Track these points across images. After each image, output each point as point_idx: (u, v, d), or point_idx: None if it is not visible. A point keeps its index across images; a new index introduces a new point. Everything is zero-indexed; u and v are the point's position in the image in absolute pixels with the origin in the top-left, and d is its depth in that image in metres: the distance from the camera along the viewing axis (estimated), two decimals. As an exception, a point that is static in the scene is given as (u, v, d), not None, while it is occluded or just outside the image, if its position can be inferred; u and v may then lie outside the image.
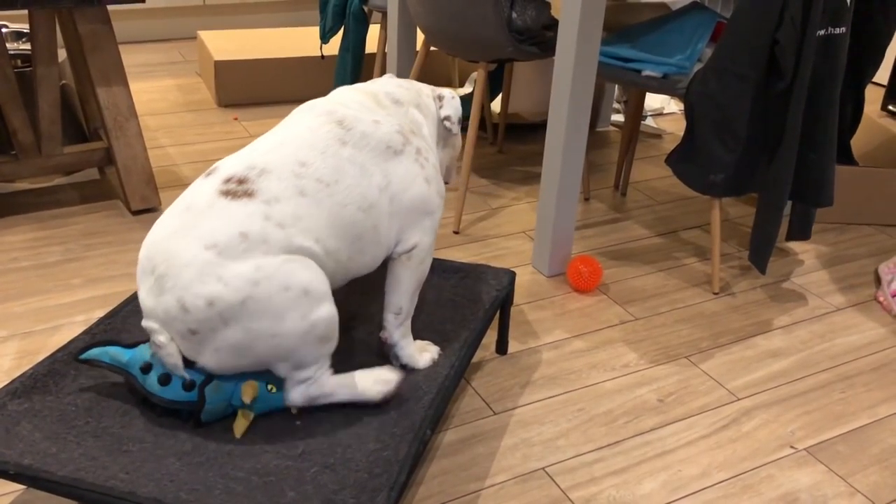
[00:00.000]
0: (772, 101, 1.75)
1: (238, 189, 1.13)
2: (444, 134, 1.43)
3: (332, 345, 1.19)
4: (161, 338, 1.11)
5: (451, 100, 1.42)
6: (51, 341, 1.64)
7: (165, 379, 1.14)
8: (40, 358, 1.58)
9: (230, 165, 1.17)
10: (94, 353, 1.18)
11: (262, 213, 1.11)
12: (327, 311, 1.14)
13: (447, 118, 1.40)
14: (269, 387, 1.17)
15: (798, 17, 1.63)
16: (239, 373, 1.16)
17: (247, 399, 1.13)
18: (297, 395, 1.18)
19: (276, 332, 1.10)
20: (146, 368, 1.15)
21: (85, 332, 1.33)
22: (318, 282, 1.13)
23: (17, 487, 1.28)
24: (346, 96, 1.31)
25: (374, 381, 1.23)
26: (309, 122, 1.24)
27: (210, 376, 1.14)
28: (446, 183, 1.51)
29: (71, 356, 1.24)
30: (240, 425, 1.16)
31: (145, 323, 1.14)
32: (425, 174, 1.28)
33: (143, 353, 1.17)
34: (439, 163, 1.42)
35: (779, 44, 1.66)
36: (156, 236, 1.14)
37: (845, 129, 2.24)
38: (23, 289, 1.81)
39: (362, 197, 1.20)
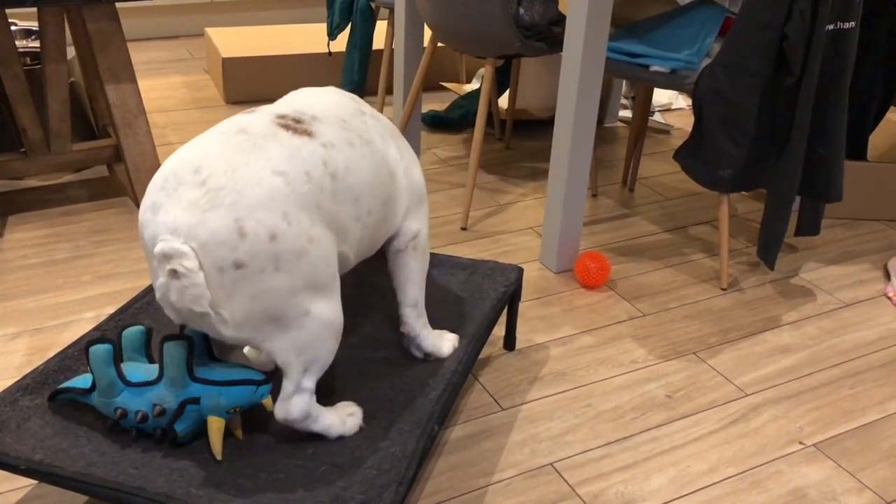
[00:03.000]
0: (780, 97, 1.74)
1: (297, 126, 1.07)
2: None
3: (334, 354, 1.12)
4: (188, 263, 0.94)
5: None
6: (61, 338, 1.65)
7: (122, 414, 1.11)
8: (51, 354, 1.59)
9: (272, 107, 1.11)
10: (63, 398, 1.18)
11: (321, 156, 1.05)
12: (340, 311, 1.10)
13: None
14: (232, 410, 1.10)
15: (807, 12, 1.62)
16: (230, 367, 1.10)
17: (216, 453, 1.10)
18: (296, 406, 1.09)
19: (308, 310, 1.03)
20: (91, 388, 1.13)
21: (95, 329, 1.34)
22: (337, 282, 1.08)
23: (28, 482, 1.29)
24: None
25: (347, 416, 1.18)
26: (322, 96, 1.20)
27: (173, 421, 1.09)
28: None
29: (62, 375, 1.23)
30: (215, 441, 1.11)
31: (167, 245, 0.94)
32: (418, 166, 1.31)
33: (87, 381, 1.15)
34: None
35: (787, 38, 1.65)
36: (200, 151, 0.98)
37: (868, 124, 2.22)
38: (33, 286, 1.82)
39: (388, 162, 1.20)
